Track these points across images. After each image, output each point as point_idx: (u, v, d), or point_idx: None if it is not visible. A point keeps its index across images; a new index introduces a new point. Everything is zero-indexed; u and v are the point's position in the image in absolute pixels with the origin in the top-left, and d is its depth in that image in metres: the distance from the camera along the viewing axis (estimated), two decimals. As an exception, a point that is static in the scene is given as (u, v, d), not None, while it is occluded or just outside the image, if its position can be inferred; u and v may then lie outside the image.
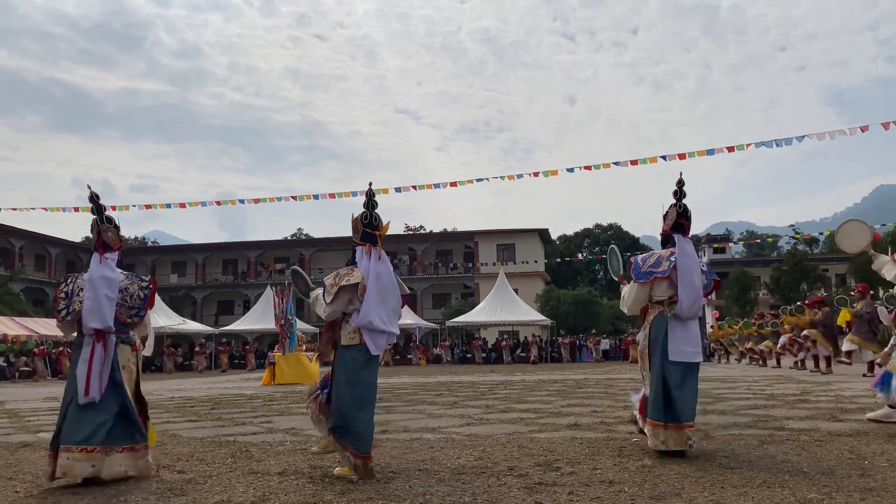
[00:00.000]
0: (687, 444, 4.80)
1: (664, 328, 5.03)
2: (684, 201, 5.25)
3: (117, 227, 4.86)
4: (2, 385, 22.51)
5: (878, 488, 3.70)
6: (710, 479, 4.06)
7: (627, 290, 5.39)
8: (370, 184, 4.97)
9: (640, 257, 5.36)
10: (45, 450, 6.00)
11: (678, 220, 5.21)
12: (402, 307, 4.91)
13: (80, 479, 4.35)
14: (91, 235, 4.87)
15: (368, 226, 4.74)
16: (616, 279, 6.23)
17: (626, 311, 5.46)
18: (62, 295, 4.68)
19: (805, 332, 16.27)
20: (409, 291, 4.93)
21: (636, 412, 5.53)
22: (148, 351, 5.20)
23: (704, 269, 5.28)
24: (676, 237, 5.15)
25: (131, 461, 4.46)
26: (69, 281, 4.76)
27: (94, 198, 4.83)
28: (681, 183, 5.25)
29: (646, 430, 5.05)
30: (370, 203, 4.79)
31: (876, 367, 13.46)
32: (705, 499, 3.58)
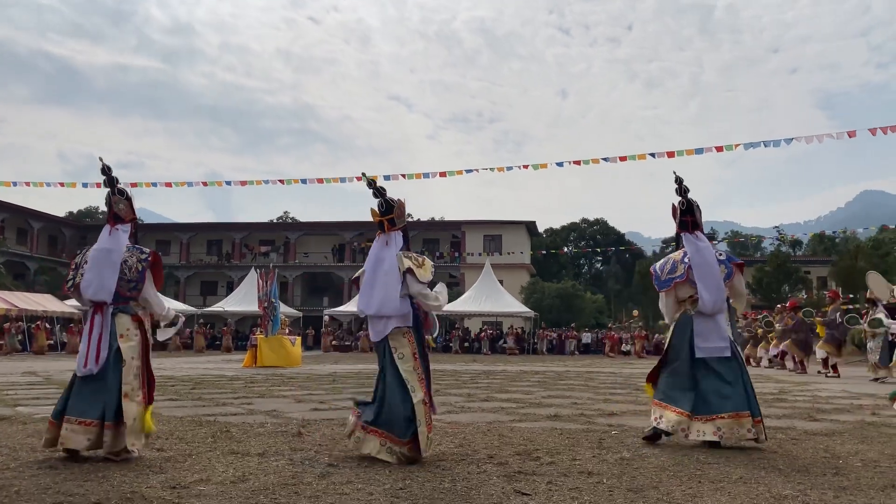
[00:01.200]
0: (725, 435, 4.89)
1: (690, 326, 5.10)
2: (689, 196, 5.30)
3: (129, 199, 4.84)
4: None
5: (852, 487, 3.75)
6: (688, 473, 4.10)
7: (660, 303, 5.43)
8: (363, 174, 4.96)
9: (657, 266, 5.43)
10: (22, 423, 5.98)
11: (682, 217, 5.27)
12: (419, 280, 4.60)
13: (82, 451, 4.35)
14: (107, 208, 4.83)
15: (380, 213, 4.77)
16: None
17: (668, 321, 5.49)
18: (73, 266, 4.73)
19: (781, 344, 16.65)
20: (406, 266, 4.61)
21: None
22: (165, 333, 5.10)
23: (722, 257, 5.31)
24: (683, 236, 5.24)
25: (118, 437, 4.40)
26: (82, 252, 4.78)
27: (105, 170, 4.82)
28: (679, 181, 5.29)
29: (654, 412, 5.16)
30: (375, 192, 4.80)
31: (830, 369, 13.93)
32: (682, 492, 3.62)
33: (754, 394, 5.07)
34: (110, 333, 4.49)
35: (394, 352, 4.55)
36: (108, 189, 4.83)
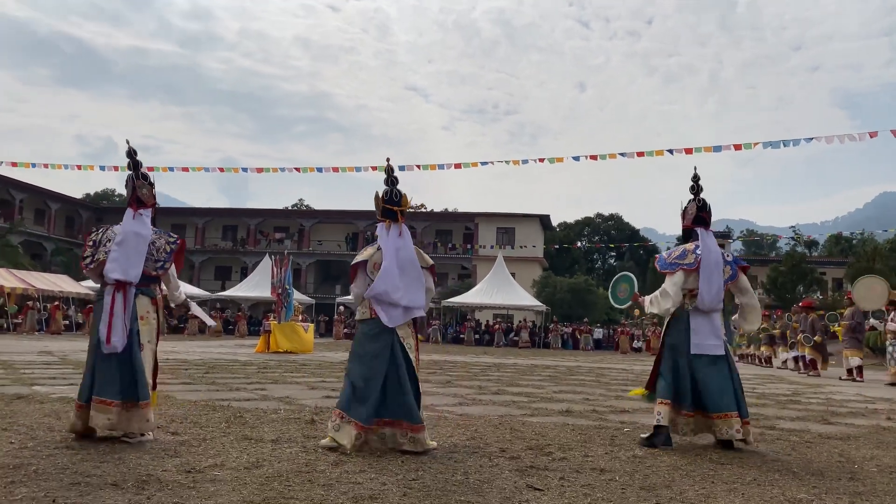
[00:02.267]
0: (718, 433, 4.87)
1: (686, 323, 5.07)
2: (702, 195, 5.30)
3: (152, 184, 4.91)
4: (-4, 336, 22.56)
5: (868, 492, 3.73)
6: (701, 473, 4.08)
7: (666, 285, 5.22)
8: (388, 160, 4.97)
9: (663, 253, 5.43)
10: (39, 402, 6.04)
11: (699, 213, 5.28)
12: (434, 279, 4.94)
13: (100, 431, 4.43)
14: (126, 190, 4.91)
15: (389, 202, 4.78)
16: (628, 304, 6.14)
17: (662, 311, 5.27)
18: (90, 243, 4.77)
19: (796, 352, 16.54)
20: (430, 263, 4.91)
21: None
22: (177, 299, 5.12)
23: (729, 258, 5.28)
24: (700, 231, 5.22)
25: (134, 418, 4.45)
26: (99, 231, 4.84)
27: (131, 153, 4.87)
28: (696, 178, 5.29)
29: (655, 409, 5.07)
30: (390, 179, 4.82)
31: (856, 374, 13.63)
32: (695, 492, 3.60)
33: (743, 395, 5.05)
34: (131, 315, 4.55)
35: (403, 341, 4.60)
36: (132, 172, 4.87)
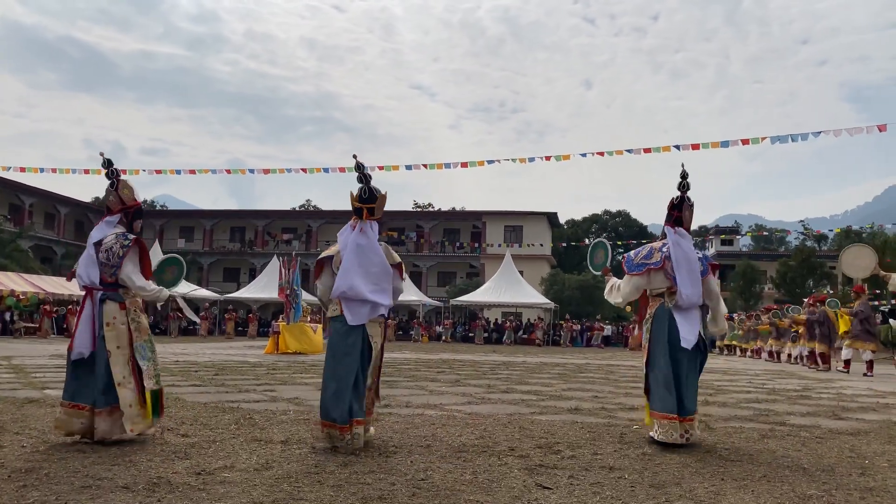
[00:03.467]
0: (683, 438, 4.80)
1: (667, 319, 5.02)
2: (688, 193, 5.25)
3: (118, 189, 4.89)
4: (6, 340, 22.71)
5: (879, 488, 3.71)
6: (711, 470, 4.07)
7: (622, 283, 5.40)
8: (355, 156, 4.91)
9: (631, 252, 5.38)
10: (51, 406, 6.09)
11: (671, 211, 5.23)
12: (402, 278, 4.92)
13: (75, 435, 4.51)
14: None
15: (359, 199, 4.78)
16: (600, 273, 6.26)
17: (613, 302, 5.59)
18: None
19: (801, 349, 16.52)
20: (398, 260, 4.87)
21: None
22: (155, 298, 5.06)
23: (700, 255, 5.25)
24: (666, 228, 5.21)
25: (113, 423, 4.52)
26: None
27: (105, 164, 4.98)
28: (684, 175, 5.24)
29: (654, 426, 4.92)
30: (361, 176, 4.83)
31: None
32: (705, 490, 3.60)
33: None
34: (98, 321, 4.64)
35: (371, 339, 4.62)
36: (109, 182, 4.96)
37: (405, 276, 4.96)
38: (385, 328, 4.89)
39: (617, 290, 5.49)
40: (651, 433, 4.96)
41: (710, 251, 52.08)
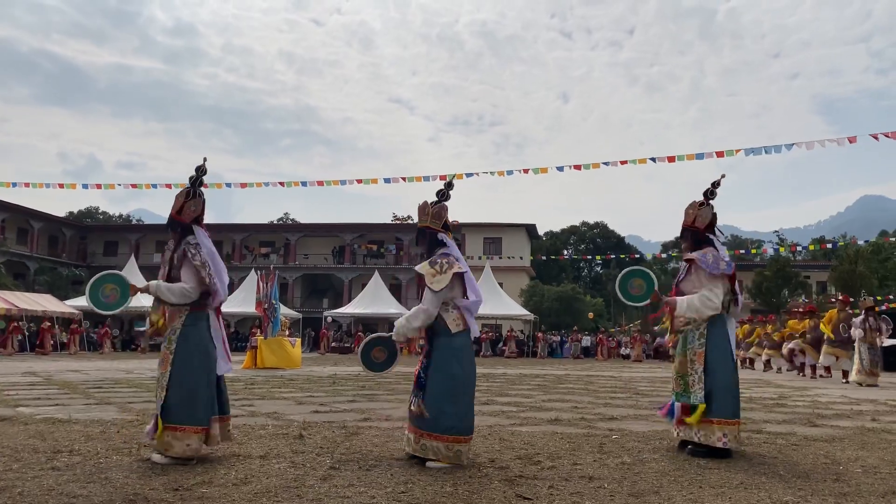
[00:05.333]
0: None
1: (725, 327, 5.03)
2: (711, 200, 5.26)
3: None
4: (-21, 358, 22.26)
5: (853, 493, 3.76)
6: (689, 478, 4.11)
7: (714, 289, 4.95)
8: (454, 175, 5.00)
9: (706, 255, 5.05)
10: (23, 424, 5.99)
11: (714, 220, 5.25)
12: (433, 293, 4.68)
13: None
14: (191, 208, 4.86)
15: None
16: (646, 302, 5.47)
17: (700, 318, 4.98)
18: (204, 266, 4.76)
19: (794, 344, 16.67)
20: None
21: (674, 424, 5.13)
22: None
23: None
24: (716, 239, 5.22)
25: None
26: (197, 246, 4.83)
27: (201, 171, 4.93)
28: (716, 184, 5.24)
29: (716, 432, 4.77)
30: (445, 195, 4.89)
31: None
32: (683, 497, 3.63)
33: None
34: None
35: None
36: (195, 190, 4.87)
37: (437, 285, 4.57)
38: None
39: (705, 303, 4.94)
40: (697, 438, 4.82)
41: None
